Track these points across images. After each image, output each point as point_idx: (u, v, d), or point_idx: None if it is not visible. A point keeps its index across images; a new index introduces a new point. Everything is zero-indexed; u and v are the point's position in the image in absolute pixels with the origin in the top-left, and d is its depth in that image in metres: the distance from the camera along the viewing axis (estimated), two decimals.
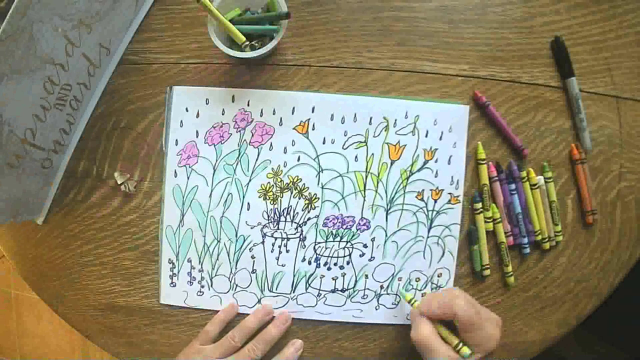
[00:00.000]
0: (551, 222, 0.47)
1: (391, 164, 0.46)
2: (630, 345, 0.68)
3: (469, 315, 0.38)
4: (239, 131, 0.46)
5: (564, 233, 0.47)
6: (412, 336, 0.40)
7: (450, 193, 0.46)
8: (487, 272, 0.46)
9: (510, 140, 0.46)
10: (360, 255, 0.46)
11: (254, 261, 0.46)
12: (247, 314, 0.46)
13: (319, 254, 0.46)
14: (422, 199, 0.46)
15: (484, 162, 0.46)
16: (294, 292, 0.47)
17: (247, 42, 0.42)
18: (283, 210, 0.46)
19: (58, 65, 0.39)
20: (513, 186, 0.46)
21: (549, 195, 0.47)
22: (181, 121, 0.46)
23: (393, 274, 0.46)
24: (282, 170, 0.46)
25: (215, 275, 0.47)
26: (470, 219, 0.46)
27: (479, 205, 0.46)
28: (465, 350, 0.38)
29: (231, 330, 0.45)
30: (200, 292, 0.47)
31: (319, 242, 0.46)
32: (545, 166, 0.46)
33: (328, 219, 0.46)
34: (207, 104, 0.46)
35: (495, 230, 0.46)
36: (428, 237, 0.46)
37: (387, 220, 0.46)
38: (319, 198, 0.46)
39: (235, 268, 0.46)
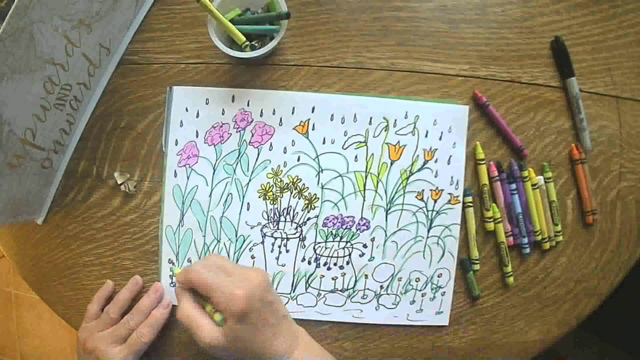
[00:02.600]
0: (551, 222, 0.47)
1: (391, 164, 0.46)
2: (630, 345, 0.68)
3: (199, 278, 0.36)
4: (239, 131, 0.46)
5: (564, 233, 0.47)
6: (177, 317, 0.37)
7: (450, 193, 0.46)
8: (477, 266, 0.46)
9: (510, 141, 0.46)
10: (360, 255, 0.46)
11: (253, 261, 0.46)
12: None
13: (318, 254, 0.46)
14: (422, 199, 0.46)
15: (483, 162, 0.46)
16: (293, 292, 0.47)
17: (247, 42, 0.42)
18: (283, 210, 0.46)
19: (58, 65, 0.39)
20: (514, 186, 0.46)
21: (548, 195, 0.47)
22: (181, 121, 0.46)
23: (393, 274, 0.46)
24: (282, 170, 0.46)
25: None
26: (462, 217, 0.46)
27: (469, 199, 0.46)
28: (217, 317, 0.36)
29: (107, 306, 0.45)
30: None
31: (319, 242, 0.46)
32: (545, 166, 0.46)
33: (328, 219, 0.46)
34: (207, 104, 0.46)
35: (495, 230, 0.46)
36: (428, 237, 0.46)
37: (386, 220, 0.46)
38: (318, 198, 0.46)
39: None
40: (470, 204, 0.46)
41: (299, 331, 0.40)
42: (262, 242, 0.46)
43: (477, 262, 0.46)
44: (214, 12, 0.39)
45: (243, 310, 0.34)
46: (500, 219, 0.46)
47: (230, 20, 0.41)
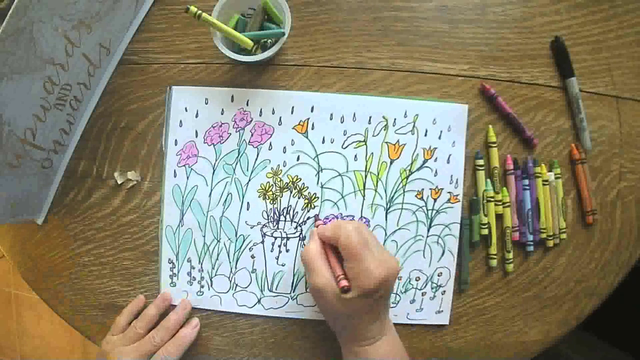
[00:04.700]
0: (558, 218, 0.47)
1: (390, 163, 0.46)
2: (630, 345, 0.68)
3: (350, 242, 0.36)
4: (238, 131, 0.46)
5: (565, 233, 0.47)
6: (301, 253, 0.41)
7: (449, 192, 0.46)
8: (485, 231, 0.46)
9: (520, 131, 0.46)
10: None
11: (253, 261, 0.46)
12: (248, 315, 0.47)
13: None
14: (421, 198, 0.46)
15: (495, 145, 0.46)
16: (293, 291, 0.47)
17: (257, 45, 0.42)
18: (283, 210, 0.46)
19: (58, 65, 0.39)
20: (526, 182, 0.46)
21: (557, 192, 0.47)
22: (180, 121, 0.46)
23: None
24: (281, 170, 0.46)
25: (215, 275, 0.47)
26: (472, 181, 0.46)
27: (481, 162, 0.46)
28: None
29: (134, 320, 0.45)
30: (200, 292, 0.47)
31: None
32: (555, 162, 0.46)
33: (328, 218, 0.46)
34: (206, 103, 0.46)
35: (503, 214, 0.46)
36: (428, 236, 0.46)
37: (386, 219, 0.46)
38: (318, 197, 0.46)
39: (235, 268, 0.46)
40: (481, 167, 0.46)
41: (391, 325, 0.41)
42: (262, 242, 0.46)
43: (485, 226, 0.46)
44: (218, 25, 0.39)
45: (372, 291, 0.36)
46: (508, 203, 0.46)
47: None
